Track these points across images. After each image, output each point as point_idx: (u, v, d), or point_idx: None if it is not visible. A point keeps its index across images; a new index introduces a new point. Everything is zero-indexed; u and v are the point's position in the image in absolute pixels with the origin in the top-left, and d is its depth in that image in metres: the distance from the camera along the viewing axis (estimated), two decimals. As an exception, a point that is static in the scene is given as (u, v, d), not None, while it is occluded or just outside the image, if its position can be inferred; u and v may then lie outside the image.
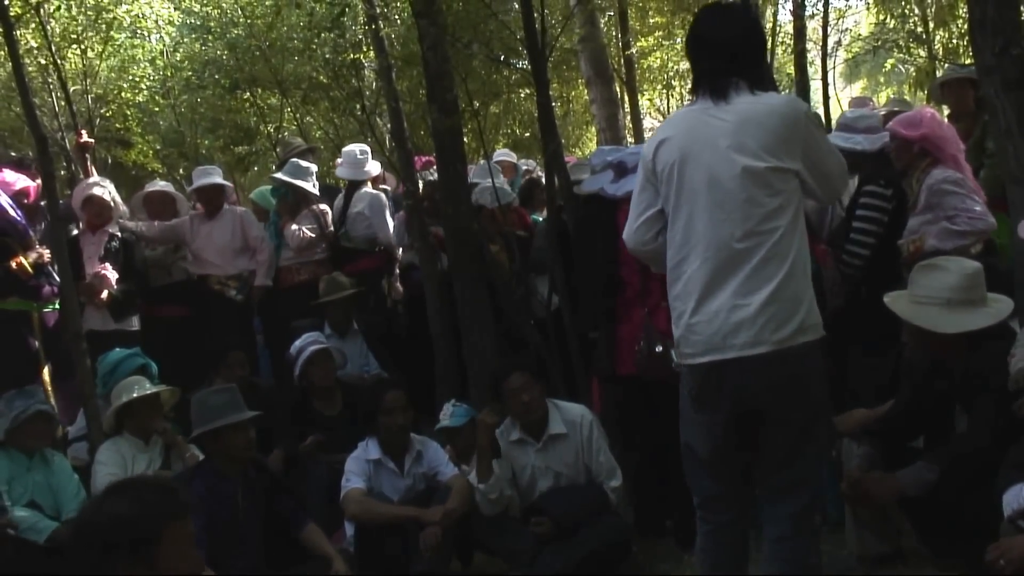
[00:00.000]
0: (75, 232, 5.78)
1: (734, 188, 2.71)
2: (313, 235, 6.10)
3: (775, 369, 2.69)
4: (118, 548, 2.23)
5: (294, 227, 6.05)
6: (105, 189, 5.88)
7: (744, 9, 3.14)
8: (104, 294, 5.58)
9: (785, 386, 2.71)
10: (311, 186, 6.27)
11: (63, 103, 10.07)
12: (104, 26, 10.05)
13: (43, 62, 9.87)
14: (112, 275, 5.62)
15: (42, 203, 5.62)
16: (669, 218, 2.85)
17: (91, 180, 6.07)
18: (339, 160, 6.75)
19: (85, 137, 6.70)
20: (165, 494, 2.38)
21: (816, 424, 2.81)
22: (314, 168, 6.48)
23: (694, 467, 2.94)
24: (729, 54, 2.79)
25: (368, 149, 6.70)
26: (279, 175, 6.32)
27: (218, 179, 6.35)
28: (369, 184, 6.52)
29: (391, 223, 6.27)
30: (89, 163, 6.59)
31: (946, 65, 10.45)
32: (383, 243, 6.28)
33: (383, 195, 6.49)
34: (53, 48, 8.92)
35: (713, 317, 2.72)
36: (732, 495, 2.92)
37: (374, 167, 6.69)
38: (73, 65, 10.00)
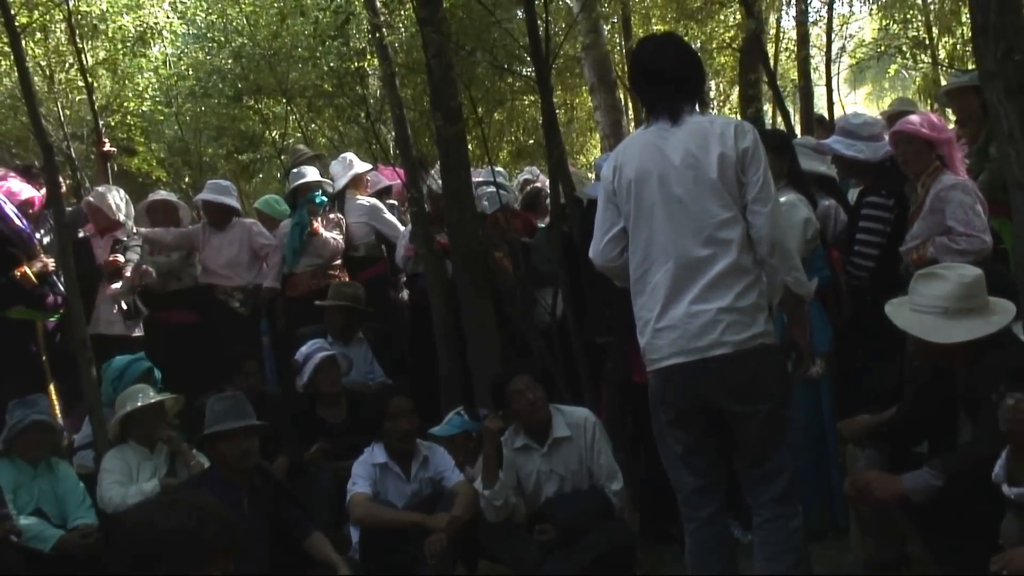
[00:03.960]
0: (82, 234, 5.82)
1: (688, 200, 2.93)
2: (342, 243, 6.15)
3: (734, 368, 2.92)
4: (158, 564, 2.11)
5: (328, 235, 6.07)
6: (117, 195, 5.96)
7: (680, 39, 3.36)
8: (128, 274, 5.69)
9: (744, 383, 2.94)
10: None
11: (68, 112, 10.12)
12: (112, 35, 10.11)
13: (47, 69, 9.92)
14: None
15: (45, 211, 5.66)
16: (630, 234, 3.05)
17: (101, 188, 6.15)
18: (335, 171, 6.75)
19: (108, 146, 6.78)
20: (224, 524, 2.22)
21: (779, 416, 3.02)
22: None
23: (674, 465, 3.12)
24: (677, 81, 3.03)
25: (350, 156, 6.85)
26: (312, 179, 6.28)
27: (224, 199, 6.33)
28: (358, 192, 6.60)
29: (392, 219, 6.39)
30: (107, 170, 6.69)
31: (950, 71, 10.47)
32: (391, 240, 6.33)
33: (376, 200, 6.58)
34: (82, 55, 8.97)
35: (677, 322, 2.93)
36: (711, 486, 3.11)
37: (361, 164, 6.76)
38: (75, 74, 10.03)
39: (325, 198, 6.18)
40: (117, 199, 6.02)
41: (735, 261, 2.92)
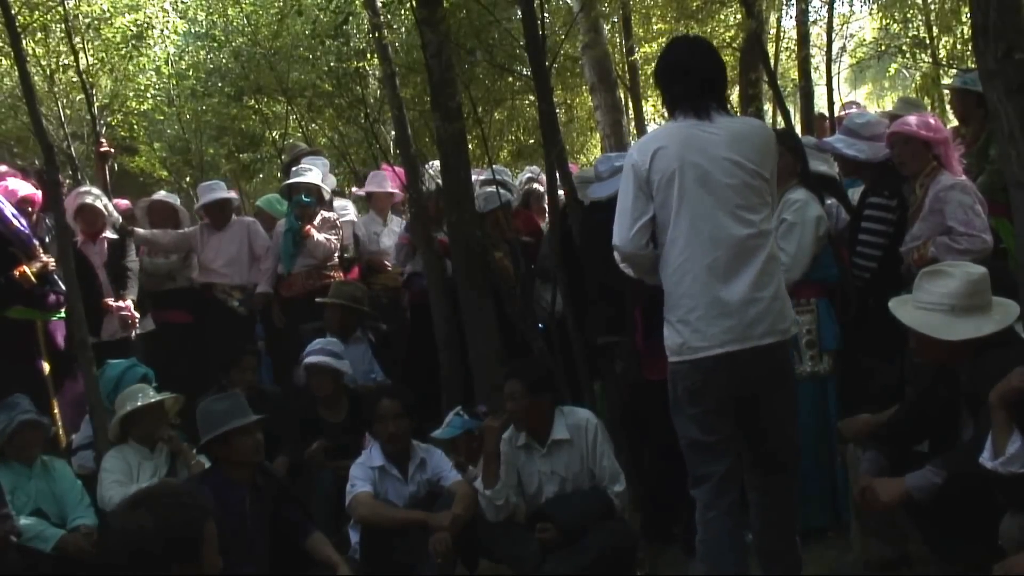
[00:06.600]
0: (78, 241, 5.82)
1: (732, 193, 2.99)
2: (337, 244, 6.14)
3: (777, 356, 3.03)
4: (170, 553, 2.26)
5: (321, 237, 6.05)
6: (96, 197, 5.95)
7: (711, 43, 3.46)
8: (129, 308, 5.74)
9: (780, 369, 3.09)
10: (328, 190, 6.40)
11: (68, 112, 10.12)
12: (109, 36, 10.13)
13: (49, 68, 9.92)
14: (120, 305, 5.75)
15: (42, 213, 5.66)
16: (669, 222, 3.03)
17: (81, 190, 6.14)
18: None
19: (105, 146, 6.80)
20: (193, 496, 2.43)
21: (794, 401, 3.25)
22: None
23: (701, 456, 3.12)
24: (704, 80, 3.10)
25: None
26: (305, 180, 6.26)
27: (222, 193, 6.40)
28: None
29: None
30: (106, 171, 6.70)
31: (952, 70, 10.45)
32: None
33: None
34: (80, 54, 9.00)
35: (733, 310, 2.95)
36: (734, 473, 3.14)
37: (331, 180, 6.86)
38: (74, 75, 10.04)
39: (309, 199, 6.12)
40: (102, 197, 6.05)
41: (772, 249, 3.05)
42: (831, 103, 11.72)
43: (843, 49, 15.50)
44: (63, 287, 5.16)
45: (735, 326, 2.94)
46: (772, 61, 12.38)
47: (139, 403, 4.36)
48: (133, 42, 10.36)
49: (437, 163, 5.90)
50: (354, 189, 7.61)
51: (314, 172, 6.35)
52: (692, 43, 3.33)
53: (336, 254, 6.23)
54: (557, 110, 8.67)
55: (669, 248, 3.04)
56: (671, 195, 3.00)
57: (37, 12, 8.74)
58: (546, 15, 7.45)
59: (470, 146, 6.01)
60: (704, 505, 3.13)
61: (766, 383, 3.05)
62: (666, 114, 3.36)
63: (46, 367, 5.27)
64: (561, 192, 5.29)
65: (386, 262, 6.41)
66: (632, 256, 3.15)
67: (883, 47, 13.03)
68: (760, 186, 3.04)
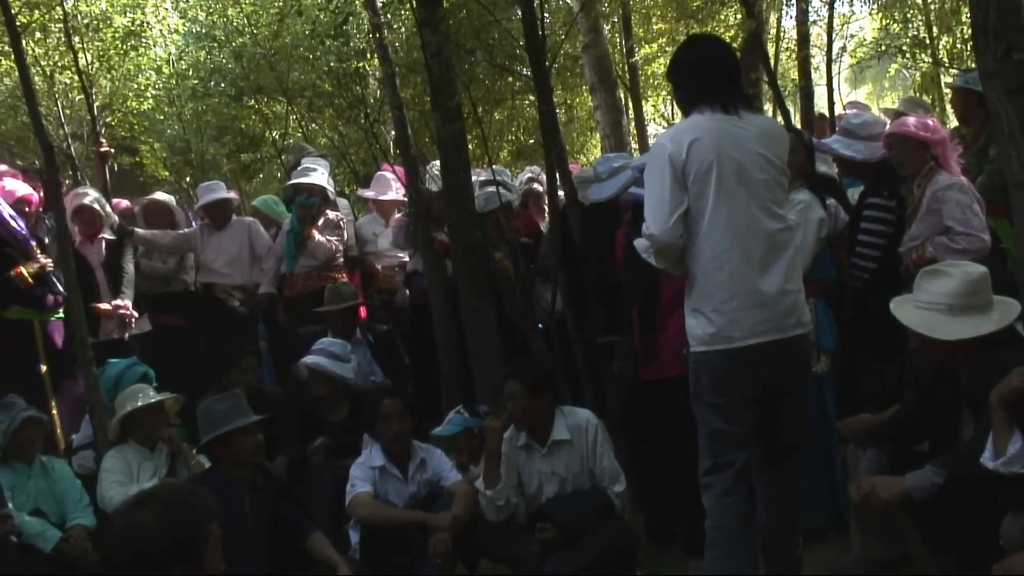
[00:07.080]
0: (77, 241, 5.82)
1: (764, 189, 3.07)
2: (339, 245, 6.12)
3: (800, 347, 3.14)
4: (172, 553, 2.27)
5: (321, 238, 6.03)
6: (94, 198, 5.95)
7: (727, 42, 3.58)
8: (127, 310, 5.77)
9: (803, 361, 3.22)
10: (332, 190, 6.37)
11: (68, 112, 10.12)
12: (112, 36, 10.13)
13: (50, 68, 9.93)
14: (119, 304, 5.77)
15: (42, 213, 5.66)
16: (703, 213, 3.05)
17: (79, 191, 6.15)
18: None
19: (104, 146, 6.80)
20: (197, 497, 2.44)
21: (809, 392, 3.39)
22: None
23: (723, 445, 3.13)
24: (726, 76, 3.17)
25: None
26: (309, 180, 6.23)
27: (222, 194, 6.38)
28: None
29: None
30: (105, 171, 6.70)
31: (952, 70, 10.46)
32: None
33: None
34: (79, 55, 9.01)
35: (768, 301, 3.02)
36: (750, 463, 3.18)
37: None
38: (73, 75, 10.05)
39: (312, 200, 6.10)
40: (100, 198, 6.05)
41: (796, 246, 3.17)
42: (831, 103, 11.71)
43: (843, 49, 15.51)
44: (61, 288, 5.15)
45: (770, 317, 3.01)
46: (772, 61, 12.38)
47: (139, 403, 4.35)
48: (131, 42, 10.35)
49: (437, 163, 5.89)
50: (360, 191, 7.55)
51: (318, 172, 6.32)
52: (716, 40, 3.49)
53: (340, 255, 6.20)
54: (557, 110, 8.67)
55: (703, 239, 3.05)
56: (708, 186, 3.02)
57: (37, 12, 8.74)
58: (546, 15, 7.45)
59: (470, 146, 6.00)
60: (723, 491, 3.13)
61: (791, 373, 3.13)
62: (680, 110, 3.37)
63: (43, 368, 5.27)
64: (561, 192, 5.29)
65: (379, 266, 6.41)
66: (667, 245, 3.11)
67: (883, 47, 13.02)
68: (784, 182, 3.17)
